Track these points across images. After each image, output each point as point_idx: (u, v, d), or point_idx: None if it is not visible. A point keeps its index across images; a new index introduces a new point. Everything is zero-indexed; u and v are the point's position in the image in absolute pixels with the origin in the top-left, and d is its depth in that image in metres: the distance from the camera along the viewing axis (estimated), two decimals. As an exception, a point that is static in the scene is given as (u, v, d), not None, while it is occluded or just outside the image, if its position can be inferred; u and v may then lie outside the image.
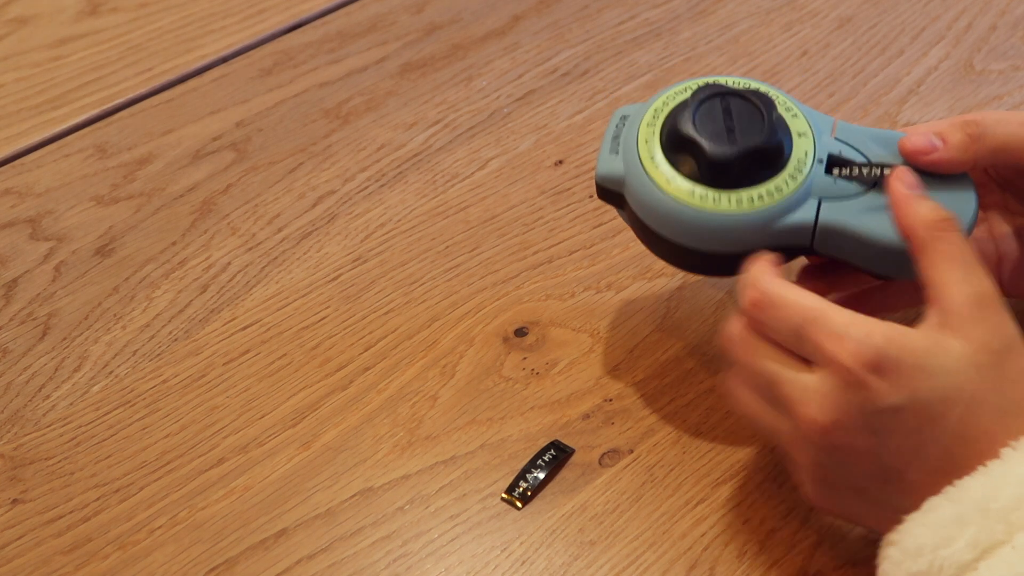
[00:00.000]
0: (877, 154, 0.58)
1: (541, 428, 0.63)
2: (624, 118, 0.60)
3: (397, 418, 0.64)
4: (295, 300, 0.71)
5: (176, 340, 0.69)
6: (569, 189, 0.77)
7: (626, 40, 0.88)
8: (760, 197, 0.55)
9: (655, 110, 0.58)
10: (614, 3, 0.92)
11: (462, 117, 0.83)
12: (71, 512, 0.61)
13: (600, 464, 0.61)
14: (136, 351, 0.69)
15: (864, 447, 0.49)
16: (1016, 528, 0.46)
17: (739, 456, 0.61)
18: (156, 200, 0.78)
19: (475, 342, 0.68)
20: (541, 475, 0.61)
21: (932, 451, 0.48)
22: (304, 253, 0.74)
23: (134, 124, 0.84)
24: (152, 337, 0.69)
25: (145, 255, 0.74)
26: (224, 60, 0.89)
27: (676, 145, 0.56)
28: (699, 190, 0.56)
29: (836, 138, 0.58)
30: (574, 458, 0.62)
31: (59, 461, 0.63)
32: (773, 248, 0.55)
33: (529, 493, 0.60)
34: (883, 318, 0.50)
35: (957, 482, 0.48)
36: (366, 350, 0.68)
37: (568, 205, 0.76)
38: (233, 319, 0.70)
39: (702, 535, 0.58)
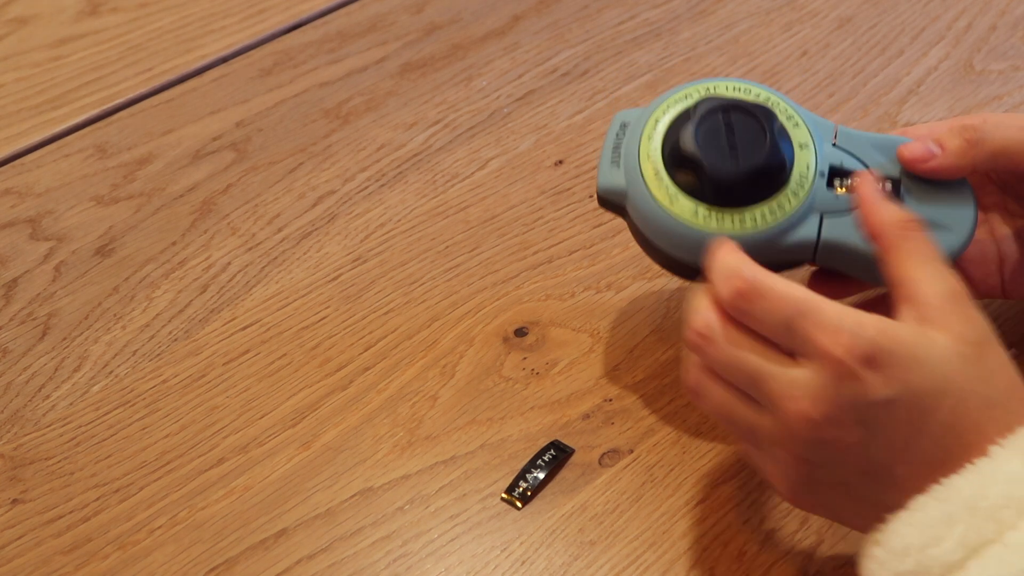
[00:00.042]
0: (878, 162, 0.57)
1: (541, 428, 0.63)
2: (624, 125, 0.59)
3: (397, 418, 0.64)
4: (295, 300, 0.71)
5: (176, 340, 0.69)
6: (569, 189, 0.77)
7: (626, 40, 0.88)
8: (763, 216, 0.55)
9: (656, 120, 0.58)
10: (614, 3, 0.92)
11: (462, 117, 0.83)
12: (71, 512, 0.61)
13: (600, 464, 0.61)
14: (136, 351, 0.69)
15: (853, 441, 0.48)
16: (1006, 526, 0.46)
17: (739, 456, 0.61)
18: (156, 200, 0.78)
19: (475, 342, 0.68)
20: (541, 475, 0.61)
21: (921, 444, 0.48)
22: (304, 253, 0.74)
23: (134, 124, 0.84)
24: (152, 337, 0.69)
25: (145, 255, 0.74)
26: (224, 60, 0.89)
27: (678, 162, 0.56)
28: (702, 209, 0.55)
29: (837, 145, 0.58)
30: (574, 458, 0.62)
31: (59, 461, 0.63)
32: (776, 263, 0.55)
33: (529, 493, 0.60)
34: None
35: (944, 481, 0.47)
36: (366, 350, 0.68)
37: (568, 205, 0.76)
38: (233, 319, 0.70)
39: (702, 535, 0.58)
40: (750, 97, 0.58)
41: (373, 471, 0.62)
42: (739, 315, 0.51)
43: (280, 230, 0.76)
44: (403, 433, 0.63)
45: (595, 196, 0.61)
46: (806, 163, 0.56)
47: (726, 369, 0.51)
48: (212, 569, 0.58)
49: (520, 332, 0.68)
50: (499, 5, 0.92)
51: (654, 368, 0.66)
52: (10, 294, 0.72)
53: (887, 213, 0.52)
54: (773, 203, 0.55)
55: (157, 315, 0.71)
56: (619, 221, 0.62)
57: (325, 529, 0.60)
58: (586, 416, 0.64)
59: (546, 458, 0.61)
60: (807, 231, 0.56)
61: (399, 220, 0.76)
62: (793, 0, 0.91)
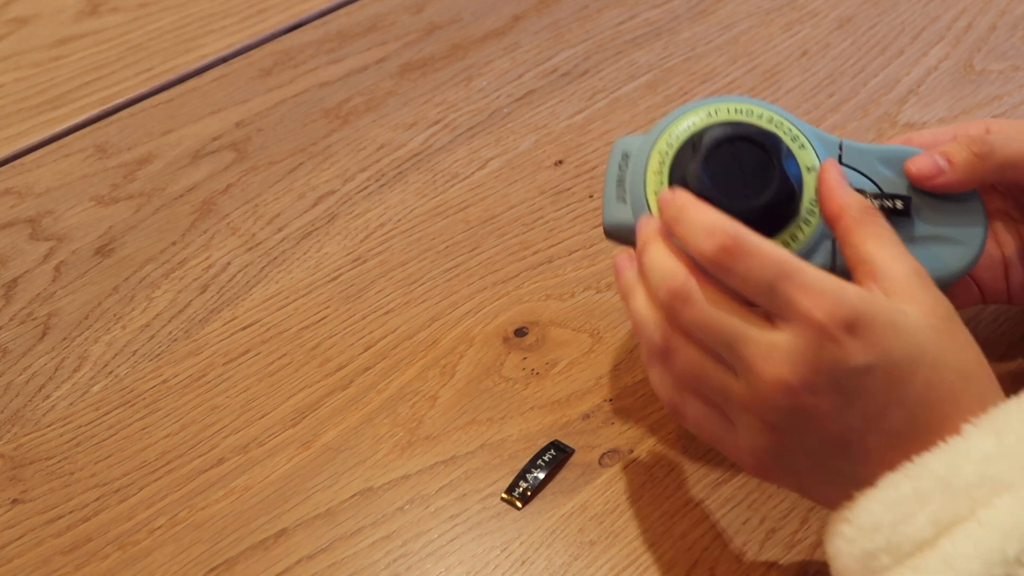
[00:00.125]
0: (886, 178, 0.57)
1: (541, 428, 0.63)
2: (626, 156, 0.58)
3: (397, 418, 0.64)
4: (295, 300, 0.71)
5: (176, 340, 0.69)
6: (569, 189, 0.77)
7: (626, 40, 0.88)
8: None
9: (660, 152, 0.56)
10: (614, 3, 0.92)
11: (462, 117, 0.83)
12: (71, 512, 0.61)
13: (600, 464, 0.61)
14: (136, 351, 0.69)
15: (828, 408, 0.48)
16: (979, 504, 0.46)
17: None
18: (156, 200, 0.78)
19: (475, 342, 0.68)
20: (541, 475, 0.61)
21: (895, 414, 0.48)
22: (304, 253, 0.74)
23: (134, 124, 0.84)
24: (152, 337, 0.69)
25: (145, 255, 0.74)
26: (224, 60, 0.89)
27: None
28: None
29: (843, 163, 0.57)
30: (574, 458, 0.62)
31: (59, 461, 0.63)
32: None
33: (529, 493, 0.60)
34: None
35: (916, 458, 0.47)
36: (366, 350, 0.68)
37: (568, 205, 0.76)
38: (233, 319, 0.70)
39: (702, 535, 0.58)
40: (753, 119, 0.56)
41: (373, 471, 0.62)
42: (719, 272, 0.50)
43: (280, 230, 0.76)
44: (403, 433, 0.63)
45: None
46: (815, 188, 0.55)
47: (702, 329, 0.50)
48: (212, 569, 0.58)
49: (520, 332, 0.68)
50: (499, 5, 0.92)
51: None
52: (10, 294, 0.72)
53: (848, 197, 0.53)
54: (786, 234, 0.54)
55: (157, 315, 0.71)
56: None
57: (325, 529, 0.60)
58: (586, 416, 0.64)
59: (546, 458, 0.61)
60: (822, 258, 0.55)
61: (399, 220, 0.76)
62: (793, 0, 0.91)
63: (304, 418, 0.65)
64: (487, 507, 0.60)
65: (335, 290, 0.71)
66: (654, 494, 0.60)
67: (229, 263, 0.74)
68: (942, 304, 0.50)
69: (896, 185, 0.57)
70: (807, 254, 0.55)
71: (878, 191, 0.57)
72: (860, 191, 0.56)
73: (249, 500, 0.61)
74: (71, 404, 0.66)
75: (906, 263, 0.50)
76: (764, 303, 0.49)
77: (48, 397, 0.67)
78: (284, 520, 0.60)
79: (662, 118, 0.58)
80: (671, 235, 0.52)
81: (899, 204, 0.56)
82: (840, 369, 0.47)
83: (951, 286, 0.58)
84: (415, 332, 0.69)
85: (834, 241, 0.55)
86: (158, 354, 0.68)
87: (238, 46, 0.90)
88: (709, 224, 0.50)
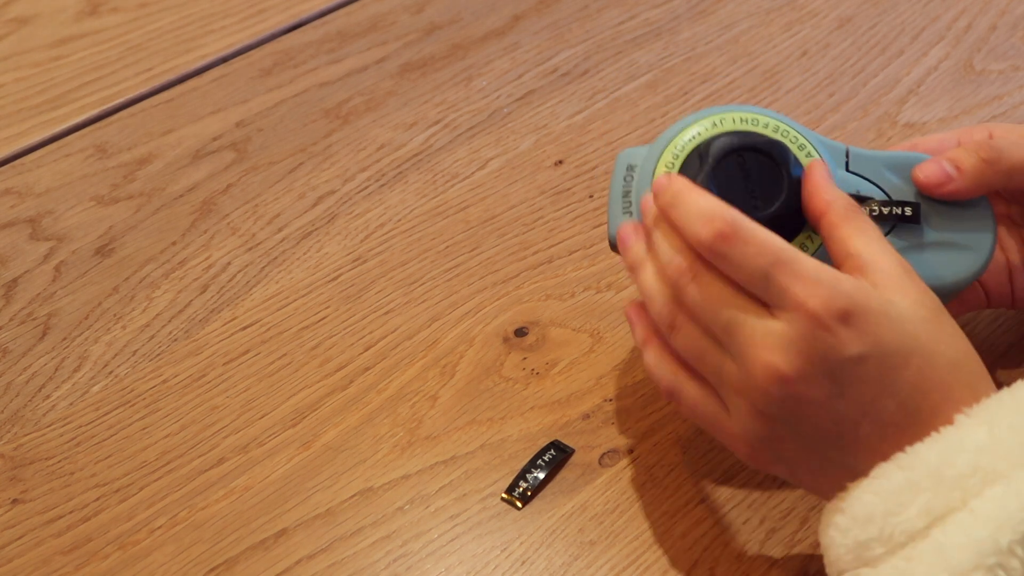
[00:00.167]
0: (894, 185, 0.57)
1: (541, 428, 0.63)
2: (631, 168, 0.58)
3: (397, 418, 0.64)
4: (295, 300, 0.71)
5: (176, 340, 0.69)
6: (569, 189, 0.77)
7: (626, 40, 0.88)
8: None
9: (667, 165, 0.56)
10: (614, 3, 0.92)
11: (462, 117, 0.83)
12: (71, 512, 0.61)
13: (600, 464, 0.61)
14: (136, 351, 0.69)
15: (820, 397, 0.48)
16: (971, 495, 0.46)
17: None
18: (156, 200, 0.78)
19: (475, 342, 0.68)
20: (541, 475, 0.61)
21: (887, 404, 0.48)
22: (304, 253, 0.74)
23: (134, 124, 0.84)
24: (152, 337, 0.69)
25: (145, 255, 0.74)
26: (224, 60, 0.89)
27: None
28: None
29: (850, 170, 0.57)
30: (574, 458, 0.62)
31: (59, 461, 0.63)
32: None
33: (529, 493, 0.60)
34: None
35: (909, 448, 0.47)
36: (366, 350, 0.68)
37: (568, 205, 0.76)
38: (233, 319, 0.70)
39: (702, 535, 0.58)
40: (759, 128, 0.56)
41: (373, 471, 0.62)
42: (715, 258, 0.50)
43: (280, 230, 0.76)
44: (403, 433, 0.63)
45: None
46: None
47: (704, 309, 0.50)
48: (212, 569, 0.58)
49: (520, 332, 0.68)
50: (499, 5, 0.92)
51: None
52: (10, 294, 0.72)
53: (833, 194, 0.53)
54: (796, 244, 0.54)
55: (157, 315, 0.71)
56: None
57: (325, 529, 0.60)
58: (586, 416, 0.64)
59: (546, 458, 0.61)
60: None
61: (399, 220, 0.76)
62: (793, 0, 0.91)
63: (304, 418, 0.65)
64: (487, 507, 0.60)
65: (335, 290, 0.71)
66: (654, 494, 0.60)
67: (229, 263, 0.74)
68: (929, 296, 0.50)
69: (904, 192, 0.57)
70: None
71: (887, 198, 0.56)
72: (868, 198, 0.56)
73: (249, 500, 0.61)
74: (71, 404, 0.66)
75: (892, 257, 0.50)
76: (759, 291, 0.49)
77: (48, 397, 0.67)
78: (284, 520, 0.60)
79: (666, 129, 0.58)
80: (667, 221, 0.52)
81: (908, 211, 0.56)
82: (833, 358, 0.48)
83: (960, 292, 0.58)
84: (415, 332, 0.69)
85: None
86: (158, 354, 0.68)
87: (238, 46, 0.90)
88: (706, 210, 0.50)
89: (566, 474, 0.61)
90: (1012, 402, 0.48)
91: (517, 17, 0.91)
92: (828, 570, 0.50)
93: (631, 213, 0.57)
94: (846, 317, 0.47)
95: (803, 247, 0.54)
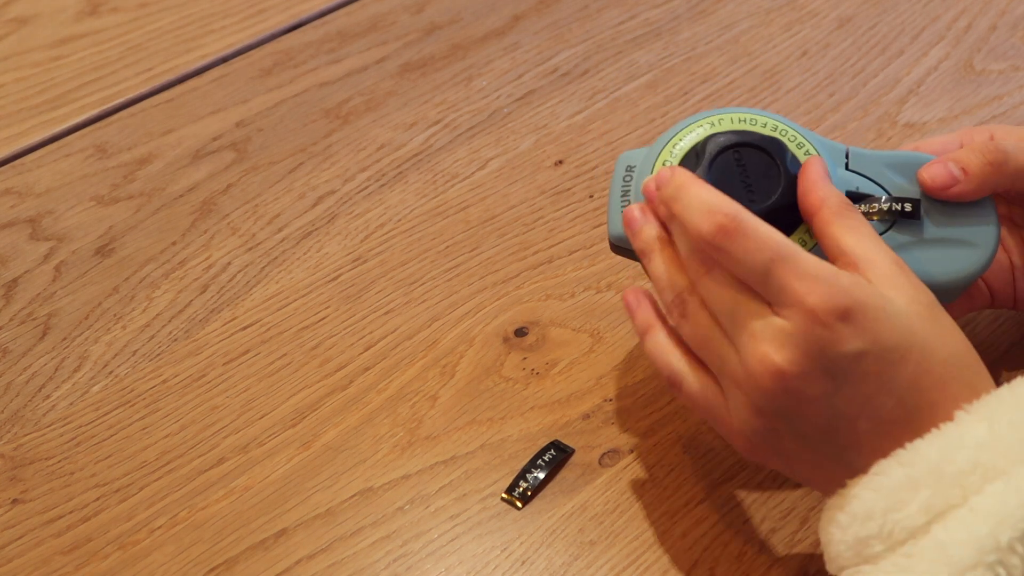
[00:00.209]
0: (895, 184, 0.57)
1: (541, 428, 0.63)
2: (630, 168, 0.58)
3: (397, 418, 0.64)
4: (295, 300, 0.71)
5: (176, 340, 0.69)
6: (569, 189, 0.77)
7: (626, 40, 0.88)
8: None
9: (664, 163, 0.56)
10: (614, 3, 0.92)
11: (462, 117, 0.83)
12: (71, 512, 0.61)
13: (600, 464, 0.61)
14: (136, 351, 0.69)
15: (818, 394, 0.48)
16: (971, 491, 0.46)
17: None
18: (156, 200, 0.78)
19: (475, 342, 0.68)
20: (541, 475, 0.61)
21: (885, 400, 0.48)
22: (304, 253, 0.74)
23: (134, 124, 0.84)
24: (152, 337, 0.69)
25: (145, 255, 0.74)
26: (224, 60, 0.89)
27: None
28: None
29: (851, 169, 0.57)
30: (574, 458, 0.62)
31: (59, 461, 0.63)
32: None
33: (529, 493, 0.60)
34: None
35: (908, 445, 0.47)
36: (366, 350, 0.68)
37: (568, 205, 0.76)
38: (233, 319, 0.70)
39: (702, 535, 0.58)
40: (757, 127, 0.56)
41: (373, 471, 0.62)
42: (716, 252, 0.50)
43: (280, 230, 0.76)
44: (403, 433, 0.63)
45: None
46: None
47: (713, 297, 0.50)
48: (212, 569, 0.58)
49: (520, 332, 0.68)
50: (499, 5, 0.92)
51: (654, 368, 0.66)
52: (10, 294, 0.72)
53: (827, 191, 0.53)
54: (793, 239, 0.54)
55: (157, 315, 0.71)
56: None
57: (325, 529, 0.60)
58: (586, 416, 0.64)
59: (546, 458, 0.61)
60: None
61: (399, 220, 0.76)
62: (793, 0, 0.91)
63: (304, 418, 0.65)
64: (487, 507, 0.60)
65: (335, 290, 0.71)
66: (654, 494, 0.60)
67: (229, 263, 0.74)
68: (924, 293, 0.50)
69: (905, 190, 0.57)
70: None
71: (887, 194, 0.56)
72: (869, 196, 0.56)
73: (249, 500, 0.61)
74: (71, 404, 0.66)
75: (886, 253, 0.50)
76: (759, 286, 0.49)
77: (48, 397, 0.67)
78: (284, 520, 0.60)
79: (665, 131, 0.58)
80: (669, 214, 0.52)
81: (908, 207, 0.56)
82: (831, 355, 0.48)
83: (965, 289, 0.58)
84: (415, 332, 0.69)
85: None
86: (158, 354, 0.68)
87: (238, 46, 0.90)
88: (708, 203, 0.50)
89: (566, 474, 0.61)
90: (1012, 398, 0.48)
91: (517, 17, 0.91)
92: (828, 567, 0.50)
93: None
94: (845, 314, 0.47)
95: (802, 242, 0.54)
